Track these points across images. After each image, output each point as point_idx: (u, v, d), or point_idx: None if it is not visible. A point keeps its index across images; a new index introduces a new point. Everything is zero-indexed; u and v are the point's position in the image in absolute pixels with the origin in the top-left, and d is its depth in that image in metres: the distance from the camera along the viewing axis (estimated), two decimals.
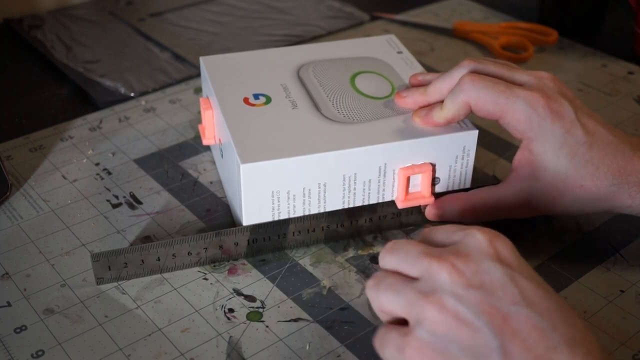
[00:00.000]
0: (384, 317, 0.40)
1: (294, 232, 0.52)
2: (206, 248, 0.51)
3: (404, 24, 0.88)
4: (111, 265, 0.49)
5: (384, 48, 0.64)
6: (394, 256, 0.40)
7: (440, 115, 0.51)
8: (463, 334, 0.36)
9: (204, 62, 0.60)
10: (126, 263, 0.49)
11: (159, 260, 0.50)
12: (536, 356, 0.35)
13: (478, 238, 0.38)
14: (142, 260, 0.50)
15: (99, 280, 0.50)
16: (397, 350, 0.37)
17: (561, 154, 0.49)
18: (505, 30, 0.84)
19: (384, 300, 0.39)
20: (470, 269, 0.37)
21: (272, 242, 0.52)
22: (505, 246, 0.39)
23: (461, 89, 0.50)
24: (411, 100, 0.54)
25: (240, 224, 0.52)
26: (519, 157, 0.51)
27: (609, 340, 0.47)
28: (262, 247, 0.52)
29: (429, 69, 0.77)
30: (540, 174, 0.50)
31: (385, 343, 0.38)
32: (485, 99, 0.49)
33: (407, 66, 0.61)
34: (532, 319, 0.36)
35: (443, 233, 0.41)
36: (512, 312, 0.36)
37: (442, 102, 0.52)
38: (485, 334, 0.36)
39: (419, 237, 0.42)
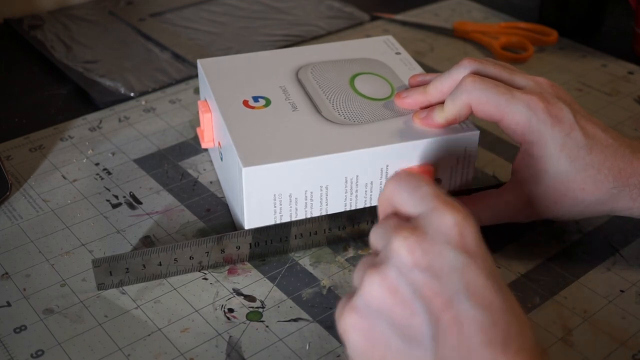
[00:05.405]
0: None
1: (296, 235, 0.52)
2: (208, 252, 0.51)
3: (404, 24, 0.88)
4: (112, 271, 0.49)
5: (381, 49, 0.64)
6: (374, 232, 0.39)
7: (441, 116, 0.51)
8: (398, 313, 0.35)
9: (202, 64, 0.60)
10: (127, 268, 0.49)
11: (160, 265, 0.50)
12: (468, 349, 0.34)
13: (445, 217, 0.36)
14: (144, 265, 0.50)
15: (100, 286, 0.49)
16: (337, 317, 0.37)
17: (561, 157, 0.49)
18: (505, 30, 0.84)
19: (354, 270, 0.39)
20: (422, 248, 0.35)
21: (274, 246, 0.52)
22: (470, 231, 0.36)
23: (462, 89, 0.50)
24: (411, 100, 0.54)
25: (242, 228, 0.52)
26: (519, 160, 0.51)
27: (609, 340, 0.47)
28: (264, 250, 0.52)
29: (428, 69, 0.77)
30: (540, 177, 0.50)
31: (337, 308, 0.38)
32: (486, 100, 0.49)
33: (405, 67, 0.61)
34: (473, 311, 0.34)
35: (414, 194, 0.38)
36: (454, 300, 0.34)
37: (442, 103, 0.52)
38: (421, 318, 0.35)
39: (392, 185, 0.40)
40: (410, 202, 0.38)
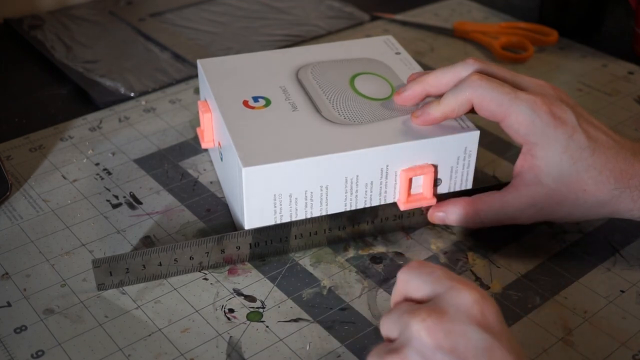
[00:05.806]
0: None
1: (296, 236, 0.52)
2: (208, 252, 0.51)
3: (404, 24, 0.88)
4: (112, 271, 0.49)
5: (382, 49, 0.64)
6: (385, 320, 0.38)
7: (438, 109, 0.51)
8: None
9: (202, 64, 0.60)
10: (127, 268, 0.49)
11: (160, 265, 0.50)
12: None
13: (464, 295, 0.35)
14: (144, 266, 0.50)
15: (100, 286, 0.49)
16: None
17: (564, 158, 0.49)
18: (505, 30, 0.84)
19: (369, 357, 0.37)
20: (444, 329, 0.34)
21: (274, 246, 0.52)
22: (491, 309, 0.35)
23: (468, 85, 0.50)
24: (410, 91, 0.54)
25: (242, 228, 0.52)
26: (521, 162, 0.51)
27: (609, 340, 0.47)
28: (264, 250, 0.52)
29: (428, 69, 0.77)
30: (543, 179, 0.50)
31: None
32: (490, 99, 0.49)
33: (405, 67, 0.61)
34: None
35: (427, 278, 0.37)
36: None
37: (439, 98, 0.52)
38: None
39: (404, 274, 0.38)
40: (424, 286, 0.37)
